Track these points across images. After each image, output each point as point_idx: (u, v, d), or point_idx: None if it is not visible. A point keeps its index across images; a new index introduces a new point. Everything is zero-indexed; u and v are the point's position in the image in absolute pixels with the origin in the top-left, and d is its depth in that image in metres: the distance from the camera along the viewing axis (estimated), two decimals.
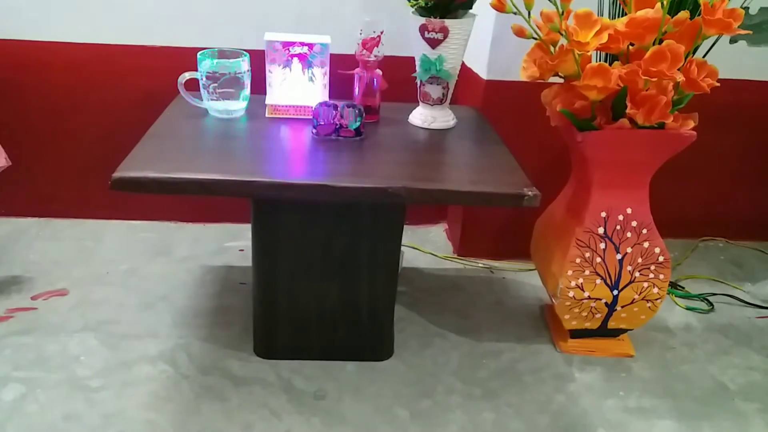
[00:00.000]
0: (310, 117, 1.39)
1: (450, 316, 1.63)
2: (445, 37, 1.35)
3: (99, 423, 1.25)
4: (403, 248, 1.45)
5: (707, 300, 1.78)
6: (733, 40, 1.34)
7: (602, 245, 1.39)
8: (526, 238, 1.64)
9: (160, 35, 1.76)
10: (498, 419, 1.32)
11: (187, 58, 1.68)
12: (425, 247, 1.95)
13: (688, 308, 1.74)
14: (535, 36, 1.26)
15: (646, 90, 1.23)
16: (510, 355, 1.51)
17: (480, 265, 1.88)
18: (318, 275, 1.36)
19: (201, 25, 1.75)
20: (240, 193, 1.17)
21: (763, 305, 1.77)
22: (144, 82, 1.80)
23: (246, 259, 1.83)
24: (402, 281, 1.73)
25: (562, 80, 1.33)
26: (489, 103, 1.66)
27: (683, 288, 1.82)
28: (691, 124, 1.30)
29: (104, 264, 1.77)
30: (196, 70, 1.42)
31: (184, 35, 1.75)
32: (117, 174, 1.13)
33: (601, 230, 1.38)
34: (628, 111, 1.23)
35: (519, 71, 1.33)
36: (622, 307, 1.44)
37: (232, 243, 1.91)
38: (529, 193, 1.16)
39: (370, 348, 1.45)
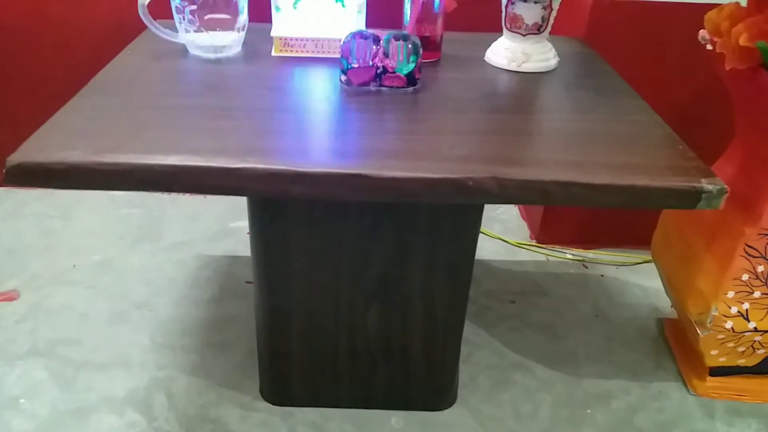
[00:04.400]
0: (337, 56, 0.90)
1: (533, 336, 1.18)
2: None
3: None
4: None
5: None
6: None
7: None
8: (632, 220, 1.17)
9: None
10: None
11: None
12: (492, 229, 1.48)
13: None
14: None
15: None
16: (624, 400, 1.06)
17: (568, 256, 1.40)
18: (348, 297, 0.91)
19: None
20: (224, 189, 0.71)
21: None
22: (114, 6, 1.33)
23: None
24: None
25: None
26: (597, 34, 1.14)
27: None
28: None
29: (72, 253, 1.35)
30: None
31: None
32: (14, 158, 0.68)
33: None
34: None
35: None
36: None
37: (239, 223, 1.47)
38: (710, 187, 0.68)
39: (423, 394, 1.01)
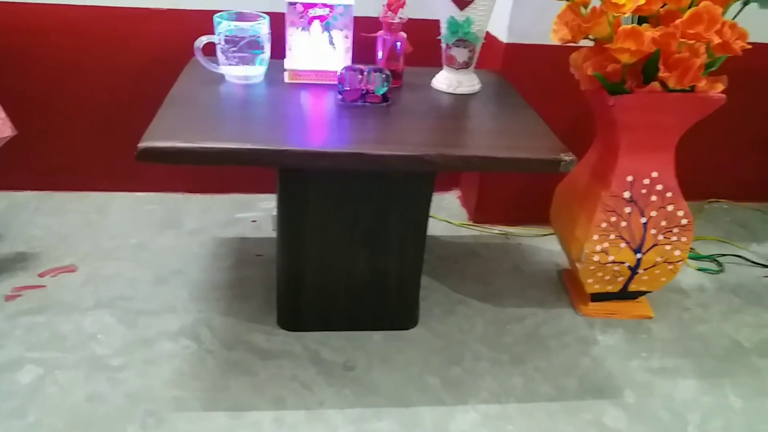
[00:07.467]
0: (331, 82, 1.35)
1: (471, 283, 1.63)
2: None
3: (124, 403, 1.22)
4: None
5: (717, 261, 1.80)
6: (745, 3, 1.31)
7: (628, 209, 1.39)
8: (541, 204, 1.63)
9: None
10: (527, 384, 1.33)
11: (194, 21, 1.62)
12: (440, 214, 1.93)
13: (699, 269, 1.76)
14: None
15: (679, 53, 1.21)
16: (533, 320, 1.52)
17: (495, 231, 1.88)
18: (346, 245, 1.34)
19: None
20: (271, 163, 1.13)
21: None
22: (149, 46, 1.72)
23: (260, 231, 1.79)
24: None
25: (591, 43, 1.31)
26: (508, 68, 1.63)
27: (693, 249, 1.84)
28: (720, 87, 1.28)
29: (112, 238, 1.72)
30: (203, 34, 1.36)
31: None
32: (143, 144, 1.08)
33: (627, 194, 1.38)
34: (660, 74, 1.22)
35: (539, 34, 1.30)
36: (645, 270, 1.45)
37: (244, 214, 1.87)
38: (566, 158, 1.14)
39: (396, 317, 1.44)
